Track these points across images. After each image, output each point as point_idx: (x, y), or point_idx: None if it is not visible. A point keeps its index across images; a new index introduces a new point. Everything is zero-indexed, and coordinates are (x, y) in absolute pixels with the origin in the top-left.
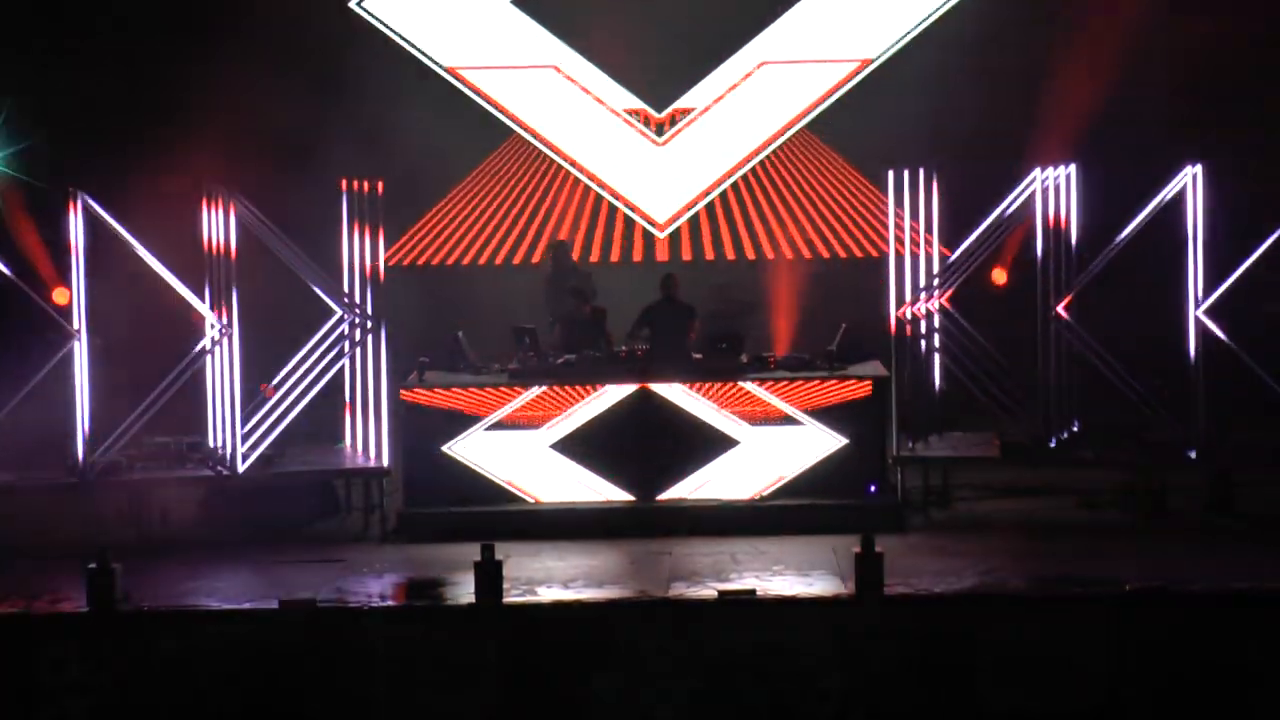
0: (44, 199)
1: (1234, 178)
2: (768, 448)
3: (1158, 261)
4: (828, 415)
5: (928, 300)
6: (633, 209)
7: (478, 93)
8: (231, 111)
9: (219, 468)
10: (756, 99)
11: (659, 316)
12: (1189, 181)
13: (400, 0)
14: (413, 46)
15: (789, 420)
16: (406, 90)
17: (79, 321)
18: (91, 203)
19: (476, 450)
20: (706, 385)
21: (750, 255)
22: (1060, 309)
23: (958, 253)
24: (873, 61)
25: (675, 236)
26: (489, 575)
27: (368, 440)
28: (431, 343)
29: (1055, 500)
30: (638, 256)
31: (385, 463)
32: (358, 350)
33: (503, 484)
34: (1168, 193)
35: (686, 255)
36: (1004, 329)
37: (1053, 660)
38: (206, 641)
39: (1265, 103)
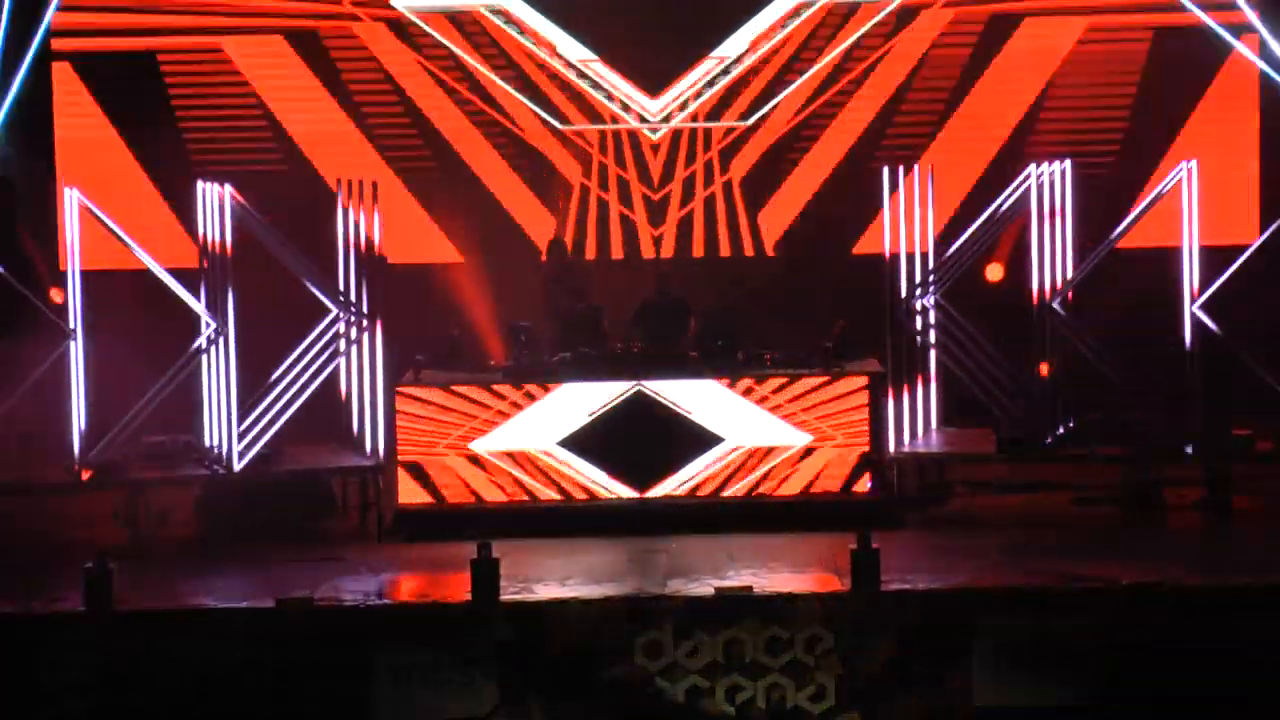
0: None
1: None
2: (763, 444)
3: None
4: (824, 412)
5: (924, 296)
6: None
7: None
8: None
9: (215, 466)
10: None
11: (655, 313)
12: (1184, 177)
13: None
14: None
15: (785, 416)
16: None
17: (74, 321)
18: (85, 200)
19: (474, 449)
20: (702, 382)
21: (749, 252)
22: (1056, 304)
23: (953, 248)
24: None
25: (675, 235)
26: (485, 573)
27: (364, 438)
28: (427, 341)
29: (1051, 496)
30: (648, 254)
31: (381, 460)
32: (353, 348)
33: (499, 482)
34: (1164, 187)
35: (688, 252)
36: (1000, 325)
37: (1048, 656)
38: (204, 641)
39: None
